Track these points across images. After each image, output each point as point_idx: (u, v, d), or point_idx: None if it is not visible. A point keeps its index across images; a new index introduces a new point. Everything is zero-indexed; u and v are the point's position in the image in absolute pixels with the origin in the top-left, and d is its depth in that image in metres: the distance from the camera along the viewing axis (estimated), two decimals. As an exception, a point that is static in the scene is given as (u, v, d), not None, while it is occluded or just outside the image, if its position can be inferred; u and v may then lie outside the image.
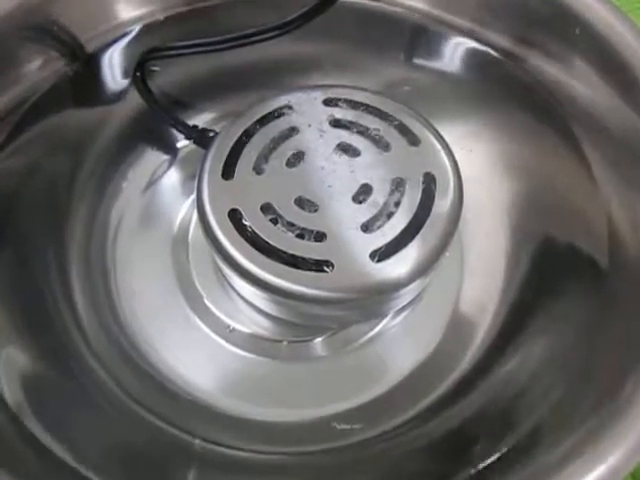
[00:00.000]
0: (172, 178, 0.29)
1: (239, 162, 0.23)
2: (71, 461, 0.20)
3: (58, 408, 0.22)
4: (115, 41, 0.27)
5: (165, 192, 0.29)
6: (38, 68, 0.26)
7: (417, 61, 0.29)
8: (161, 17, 0.28)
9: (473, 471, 0.20)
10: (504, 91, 0.27)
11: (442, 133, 0.23)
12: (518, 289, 0.25)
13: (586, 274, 0.24)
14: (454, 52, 0.29)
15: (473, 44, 0.28)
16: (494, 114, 0.28)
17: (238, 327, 0.26)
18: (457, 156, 0.23)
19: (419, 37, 0.29)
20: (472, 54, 0.28)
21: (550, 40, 0.26)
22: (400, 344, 0.26)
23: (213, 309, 0.26)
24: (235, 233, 0.21)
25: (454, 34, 0.28)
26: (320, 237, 0.21)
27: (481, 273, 0.26)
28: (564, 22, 0.24)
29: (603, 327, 0.22)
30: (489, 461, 0.20)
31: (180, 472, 0.22)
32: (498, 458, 0.20)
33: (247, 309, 0.25)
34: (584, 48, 0.24)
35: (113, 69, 0.28)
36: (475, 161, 0.27)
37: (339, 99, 0.24)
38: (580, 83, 0.25)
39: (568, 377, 0.21)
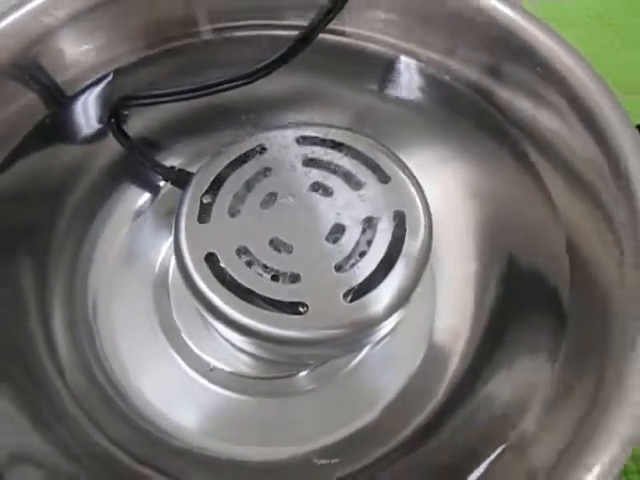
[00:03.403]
0: (153, 218, 0.29)
1: (215, 205, 0.23)
2: None
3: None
4: (91, 85, 0.28)
5: (146, 233, 0.29)
6: (10, 115, 0.26)
7: (388, 93, 0.30)
8: (134, 59, 0.28)
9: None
10: (470, 121, 0.28)
11: (411, 162, 0.24)
12: (489, 313, 0.26)
13: (549, 300, 0.24)
14: (420, 84, 0.29)
15: (440, 76, 0.28)
16: (461, 144, 0.28)
17: (219, 365, 0.26)
18: (426, 185, 0.23)
19: (389, 71, 0.29)
20: (439, 86, 0.29)
21: (517, 71, 0.26)
22: (382, 371, 0.26)
23: (193, 348, 0.26)
24: (212, 277, 0.22)
25: (423, 67, 0.29)
26: (294, 278, 0.22)
27: (453, 298, 0.27)
28: (527, 57, 0.25)
29: (566, 354, 0.23)
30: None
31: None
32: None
33: (228, 347, 0.26)
34: (547, 82, 0.25)
35: (88, 114, 0.28)
36: (443, 190, 0.28)
37: (311, 137, 0.25)
38: (543, 114, 0.26)
39: (542, 397, 0.22)
